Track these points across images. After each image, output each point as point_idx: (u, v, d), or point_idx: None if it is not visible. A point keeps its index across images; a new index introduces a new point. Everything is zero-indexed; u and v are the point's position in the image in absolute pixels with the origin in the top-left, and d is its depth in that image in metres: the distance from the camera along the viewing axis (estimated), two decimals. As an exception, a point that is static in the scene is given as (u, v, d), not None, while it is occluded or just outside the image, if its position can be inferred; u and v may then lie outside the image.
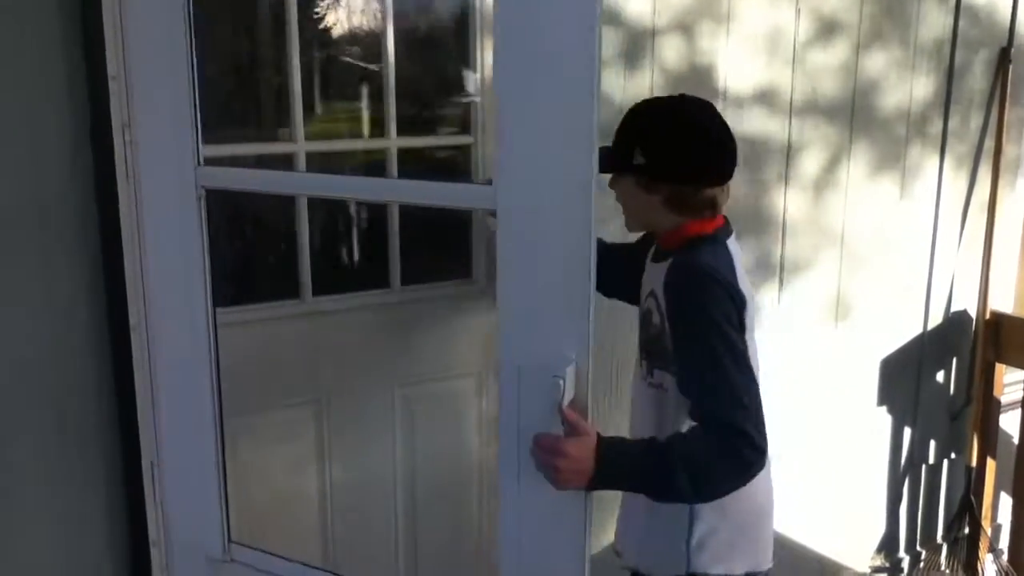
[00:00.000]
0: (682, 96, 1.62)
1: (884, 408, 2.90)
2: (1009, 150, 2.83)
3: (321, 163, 2.10)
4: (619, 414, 2.05)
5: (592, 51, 1.17)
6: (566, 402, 1.26)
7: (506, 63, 1.22)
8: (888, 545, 3.06)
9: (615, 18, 2.16)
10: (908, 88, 2.63)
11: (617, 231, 1.71)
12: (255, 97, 2.19)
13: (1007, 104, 2.76)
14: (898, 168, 2.70)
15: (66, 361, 1.65)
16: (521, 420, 1.32)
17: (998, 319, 2.86)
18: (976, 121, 2.78)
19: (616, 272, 1.63)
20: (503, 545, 1.37)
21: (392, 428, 2.18)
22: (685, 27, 2.26)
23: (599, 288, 1.24)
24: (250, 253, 2.19)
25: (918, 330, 2.89)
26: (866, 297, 2.74)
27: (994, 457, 2.97)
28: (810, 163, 2.55)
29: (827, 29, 2.46)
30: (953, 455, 3.09)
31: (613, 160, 1.55)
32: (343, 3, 2.28)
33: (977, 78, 2.76)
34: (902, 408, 2.94)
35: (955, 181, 2.81)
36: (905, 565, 3.11)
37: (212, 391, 1.65)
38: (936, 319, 2.90)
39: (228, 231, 2.10)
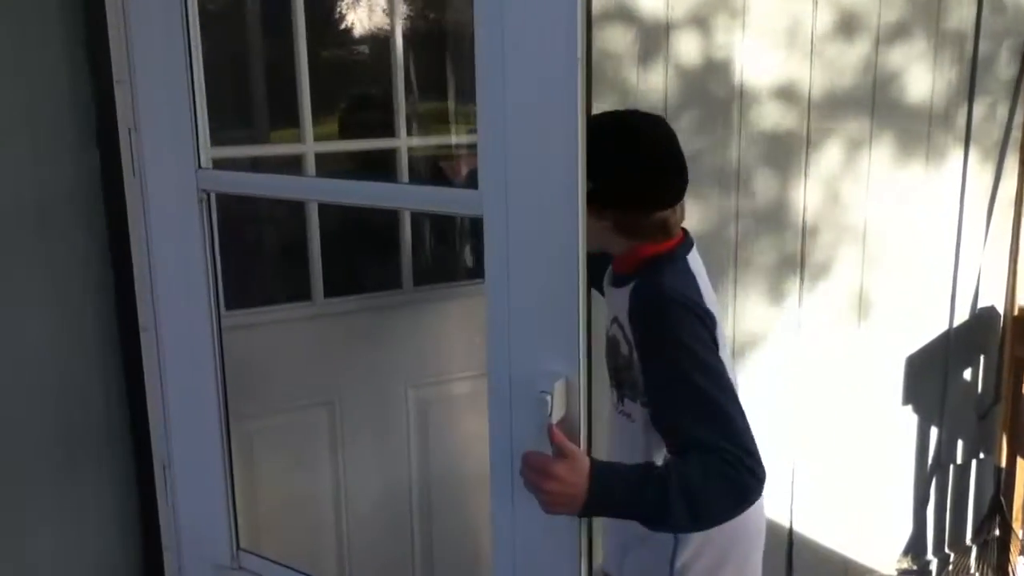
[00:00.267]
0: (630, 113, 1.54)
1: (909, 407, 2.84)
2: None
3: (333, 164, 2.11)
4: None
5: (574, 50, 1.13)
6: (555, 420, 1.21)
7: (486, 63, 1.20)
8: (915, 547, 3.00)
9: (628, 12, 2.13)
10: (931, 80, 2.56)
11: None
12: (264, 98, 2.19)
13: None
14: (921, 161, 2.63)
15: (76, 364, 1.67)
16: (514, 437, 1.28)
17: (1028, 316, 2.78)
18: (1002, 113, 2.70)
19: None
20: (496, 568, 1.34)
21: (406, 429, 2.18)
22: (700, 20, 2.22)
23: None
24: (261, 255, 2.20)
25: (944, 327, 2.82)
26: (889, 294, 2.68)
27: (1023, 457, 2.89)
28: (830, 158, 2.49)
29: (846, 20, 2.40)
30: (982, 455, 3.02)
31: None
32: (363, 3, 2.28)
33: (1002, 68, 2.67)
34: (928, 407, 2.87)
35: (980, 174, 2.73)
36: (933, 568, 3.04)
37: (217, 395, 1.66)
38: (962, 316, 2.83)
39: (238, 233, 2.12)
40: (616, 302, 1.50)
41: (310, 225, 2.00)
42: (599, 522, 1.69)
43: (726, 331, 2.44)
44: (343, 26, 2.29)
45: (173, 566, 1.79)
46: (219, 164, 1.74)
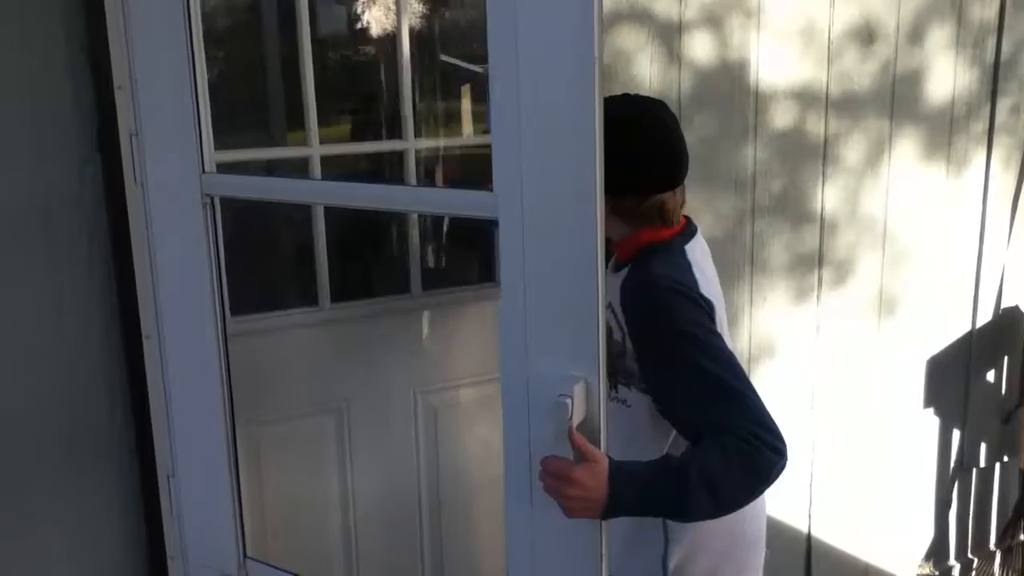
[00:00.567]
0: (626, 97, 1.52)
1: (931, 410, 2.79)
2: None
3: (339, 167, 2.07)
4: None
5: (591, 47, 1.10)
6: (575, 423, 1.20)
7: (500, 60, 1.17)
8: (937, 552, 2.94)
9: (641, 11, 2.09)
10: (952, 79, 2.51)
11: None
12: (270, 100, 2.16)
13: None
14: (943, 161, 2.58)
15: (78, 372, 1.64)
16: (532, 441, 1.27)
17: (1052, 317, 2.72)
18: (1024, 112, 2.65)
19: None
20: (511, 572, 1.31)
21: (414, 436, 2.14)
22: (714, 20, 2.18)
23: None
24: (267, 259, 2.16)
25: (966, 328, 2.76)
26: (911, 294, 2.63)
27: (1049, 461, 2.84)
28: (850, 157, 2.44)
29: (864, 19, 2.35)
30: (1006, 458, 2.96)
31: None
32: (379, 3, 2.24)
33: (1025, 67, 2.62)
34: (950, 409, 2.82)
35: (1004, 173, 2.68)
36: (955, 574, 2.99)
37: (223, 402, 1.63)
38: (985, 316, 2.78)
39: (245, 238, 2.08)
40: (611, 288, 1.47)
41: (316, 229, 1.97)
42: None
43: (743, 337, 2.39)
44: (350, 26, 2.26)
45: (179, 575, 1.76)
46: (226, 168, 1.71)
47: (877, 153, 2.48)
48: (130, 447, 1.71)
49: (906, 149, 2.51)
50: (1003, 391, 2.90)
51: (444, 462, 2.18)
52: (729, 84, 2.23)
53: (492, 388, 2.21)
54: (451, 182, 2.27)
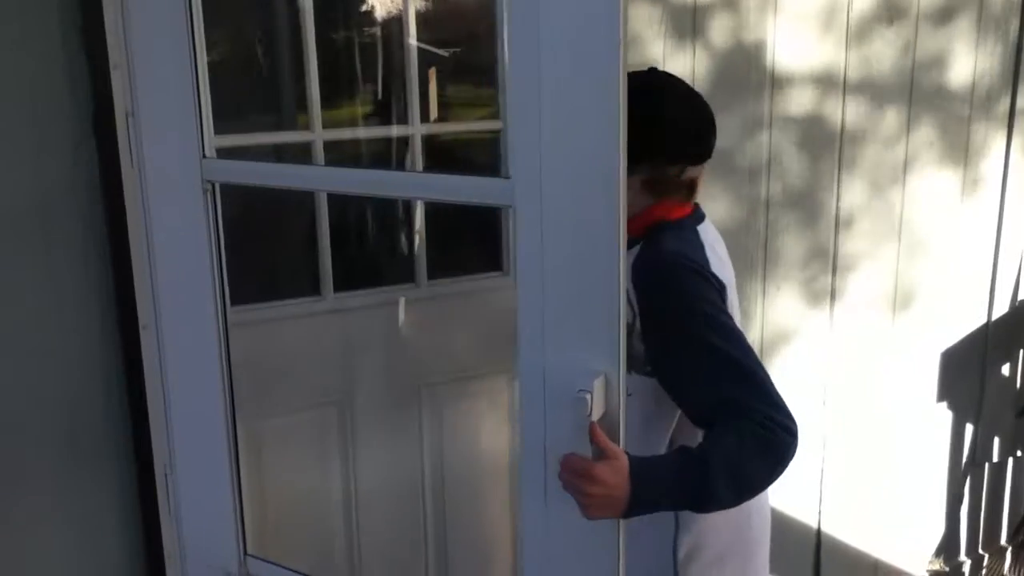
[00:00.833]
0: (655, 70, 1.51)
1: (945, 404, 2.74)
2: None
3: (341, 152, 2.00)
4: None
5: (616, 19, 1.04)
6: (596, 418, 1.15)
7: (521, 39, 1.11)
8: (948, 548, 2.90)
9: (654, -9, 2.02)
10: (972, 64, 2.44)
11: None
12: (271, 82, 2.09)
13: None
14: (961, 149, 2.51)
15: (72, 364, 1.58)
16: (548, 437, 1.22)
17: (1070, 309, 2.67)
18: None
19: None
20: (525, 573, 1.26)
21: (419, 429, 2.09)
22: (730, 1, 2.11)
23: None
24: (269, 248, 2.10)
25: (982, 320, 2.71)
26: (926, 287, 2.58)
27: (1064, 455, 2.79)
28: (867, 145, 2.38)
29: (884, 1, 2.29)
30: (1019, 452, 2.92)
31: None
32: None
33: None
34: (964, 404, 2.77)
35: (1023, 162, 2.61)
36: (966, 570, 2.95)
37: (223, 395, 1.58)
38: (1002, 308, 2.72)
39: (245, 225, 2.01)
40: None
41: (320, 216, 1.91)
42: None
43: (755, 329, 2.34)
44: (353, 6, 2.18)
45: (177, 574, 1.70)
46: (225, 153, 1.64)
47: (895, 140, 2.41)
48: (127, 442, 1.65)
49: (924, 136, 2.45)
50: (1018, 384, 2.85)
51: (449, 457, 2.13)
52: (745, 68, 2.16)
53: (500, 381, 2.17)
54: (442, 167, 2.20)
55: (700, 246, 1.43)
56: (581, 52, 1.08)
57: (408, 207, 2.04)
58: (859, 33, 2.27)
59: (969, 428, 2.81)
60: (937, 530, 2.88)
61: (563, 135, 1.11)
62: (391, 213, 2.11)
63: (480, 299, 2.10)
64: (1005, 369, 2.82)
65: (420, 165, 1.94)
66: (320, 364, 1.97)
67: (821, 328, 2.46)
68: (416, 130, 1.93)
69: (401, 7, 1.97)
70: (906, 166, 2.45)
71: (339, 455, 2.02)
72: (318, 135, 1.83)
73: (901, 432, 2.68)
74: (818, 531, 2.62)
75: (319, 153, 1.85)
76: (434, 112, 2.18)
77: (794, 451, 1.25)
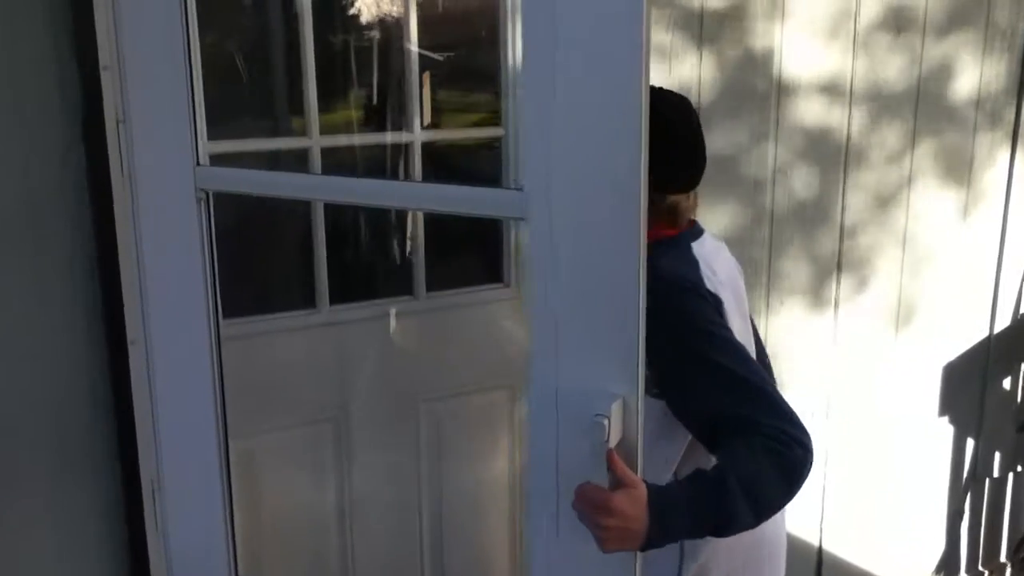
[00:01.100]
0: (654, 90, 1.45)
1: (946, 418, 2.70)
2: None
3: (334, 158, 1.94)
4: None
5: (639, 14, 0.98)
6: (613, 443, 1.10)
7: (535, 44, 1.06)
8: (948, 565, 2.86)
9: (661, -2, 1.97)
10: (978, 74, 2.41)
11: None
12: (265, 87, 2.03)
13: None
14: (965, 161, 2.48)
15: (60, 378, 1.52)
16: (560, 462, 1.16)
17: (1074, 323, 2.63)
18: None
19: None
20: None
21: (416, 446, 2.02)
22: (737, 8, 2.07)
23: None
24: (262, 258, 2.03)
25: (984, 334, 2.67)
26: (929, 300, 2.54)
27: (1065, 471, 2.76)
28: (872, 157, 2.34)
29: (891, 9, 2.25)
30: (1019, 467, 2.88)
31: None
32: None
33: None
34: (965, 418, 2.73)
35: (1028, 174, 2.59)
36: (966, 586, 2.91)
37: (215, 411, 1.51)
38: (1004, 321, 2.69)
39: (237, 234, 1.95)
40: None
41: (315, 226, 1.84)
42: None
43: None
44: (352, 10, 2.12)
45: (165, 597, 1.64)
46: (217, 160, 1.58)
47: (900, 151, 2.38)
48: (113, 457, 1.58)
49: (929, 147, 2.41)
50: (1019, 399, 2.82)
51: (448, 475, 2.06)
52: (752, 76, 2.12)
53: (500, 396, 2.11)
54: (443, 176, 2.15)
55: (694, 263, 1.40)
56: (600, 56, 1.03)
57: (406, 216, 1.98)
58: (866, 42, 2.23)
59: (970, 443, 2.78)
60: (938, 546, 2.84)
61: (579, 144, 1.06)
62: (388, 222, 2.05)
63: (480, 311, 2.04)
64: (1006, 383, 2.79)
65: (419, 173, 1.88)
66: (315, 379, 1.91)
67: (825, 343, 2.42)
68: (416, 137, 1.87)
69: (401, 11, 1.91)
70: (911, 178, 2.41)
71: (334, 472, 1.96)
72: (315, 141, 1.77)
73: (903, 447, 2.64)
74: (819, 549, 2.58)
75: (316, 160, 1.79)
76: (428, 118, 2.13)
77: (810, 466, 1.22)
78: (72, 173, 1.46)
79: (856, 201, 2.35)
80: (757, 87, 2.13)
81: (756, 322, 2.28)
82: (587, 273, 1.09)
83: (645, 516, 1.10)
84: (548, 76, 1.05)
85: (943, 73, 2.37)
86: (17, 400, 1.49)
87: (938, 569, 2.86)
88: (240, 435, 1.63)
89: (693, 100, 2.03)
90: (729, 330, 1.33)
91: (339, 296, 1.90)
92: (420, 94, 1.91)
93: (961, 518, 2.84)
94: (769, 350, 2.33)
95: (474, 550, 2.11)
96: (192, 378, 1.50)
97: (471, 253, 2.12)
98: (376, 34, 2.10)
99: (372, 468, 1.98)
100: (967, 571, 2.91)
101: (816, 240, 2.33)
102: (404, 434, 2.00)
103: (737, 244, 2.13)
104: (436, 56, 2.09)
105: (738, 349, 1.30)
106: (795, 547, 2.48)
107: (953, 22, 2.33)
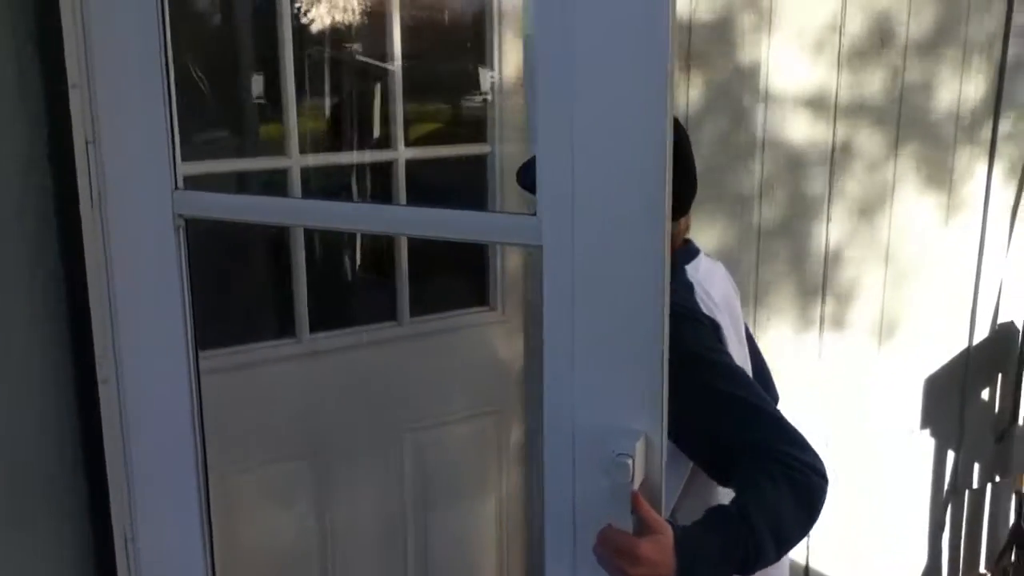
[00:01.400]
0: None
1: (928, 431, 2.69)
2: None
3: (313, 178, 1.85)
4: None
5: (665, 36, 0.93)
6: (636, 485, 1.03)
7: (549, 55, 0.99)
8: (930, 577, 2.86)
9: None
10: (957, 89, 2.41)
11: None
12: (239, 104, 1.93)
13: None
14: (945, 175, 2.48)
15: (22, 423, 1.40)
16: (577, 502, 1.09)
17: (1051, 333, 2.65)
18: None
19: None
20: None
21: (401, 479, 1.93)
22: (725, 22, 2.03)
23: None
24: (236, 285, 1.92)
25: (963, 345, 2.68)
26: (911, 313, 2.53)
27: (1043, 480, 2.76)
28: (855, 171, 2.33)
29: (874, 23, 2.24)
30: (998, 478, 2.89)
31: None
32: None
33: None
34: (946, 430, 2.73)
35: (1005, 187, 2.60)
36: (949, 598, 2.90)
37: (195, 453, 1.41)
38: (983, 332, 2.69)
39: (209, 259, 1.84)
40: None
41: (295, 250, 1.75)
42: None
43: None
44: (332, 22, 2.03)
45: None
46: (190, 182, 1.48)
47: (883, 165, 2.37)
48: (83, 509, 1.47)
49: (910, 161, 2.41)
50: (997, 409, 2.83)
51: (434, 507, 1.98)
52: (739, 90, 2.09)
53: (488, 422, 2.04)
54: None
55: (688, 287, 1.35)
56: (622, 73, 0.96)
57: (389, 239, 1.89)
58: (850, 56, 2.22)
59: (951, 455, 2.78)
60: (920, 559, 2.83)
61: (600, 168, 1.00)
62: (369, 245, 1.96)
63: (466, 335, 1.97)
64: (985, 394, 2.79)
65: (404, 193, 1.80)
66: (296, 412, 1.81)
67: (811, 360, 2.40)
68: (400, 155, 1.79)
69: (380, 25, 1.83)
70: (893, 192, 2.40)
71: (316, 510, 1.86)
72: (295, 161, 1.68)
73: (887, 461, 2.62)
74: (806, 568, 2.55)
75: (295, 180, 1.70)
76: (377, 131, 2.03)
77: (825, 495, 1.18)
78: (33, 196, 1.35)
79: (841, 215, 2.33)
80: (744, 101, 2.10)
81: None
82: (608, 302, 1.03)
83: (673, 562, 1.04)
84: (567, 97, 0.99)
85: (924, 88, 2.36)
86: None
87: (920, 582, 2.85)
88: (216, 475, 1.54)
89: (681, 116, 1.99)
90: (729, 355, 1.29)
91: (319, 324, 1.80)
92: (404, 110, 1.84)
93: (942, 530, 2.84)
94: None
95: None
96: (169, 419, 1.39)
97: (455, 276, 2.04)
98: (349, 48, 2.01)
99: (355, 504, 1.89)
100: (949, 583, 2.91)
101: (802, 254, 2.31)
102: (388, 467, 1.91)
103: (725, 260, 2.09)
104: (388, 67, 2.01)
105: (739, 374, 1.26)
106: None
107: (934, 37, 2.33)
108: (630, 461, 1.01)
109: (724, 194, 2.12)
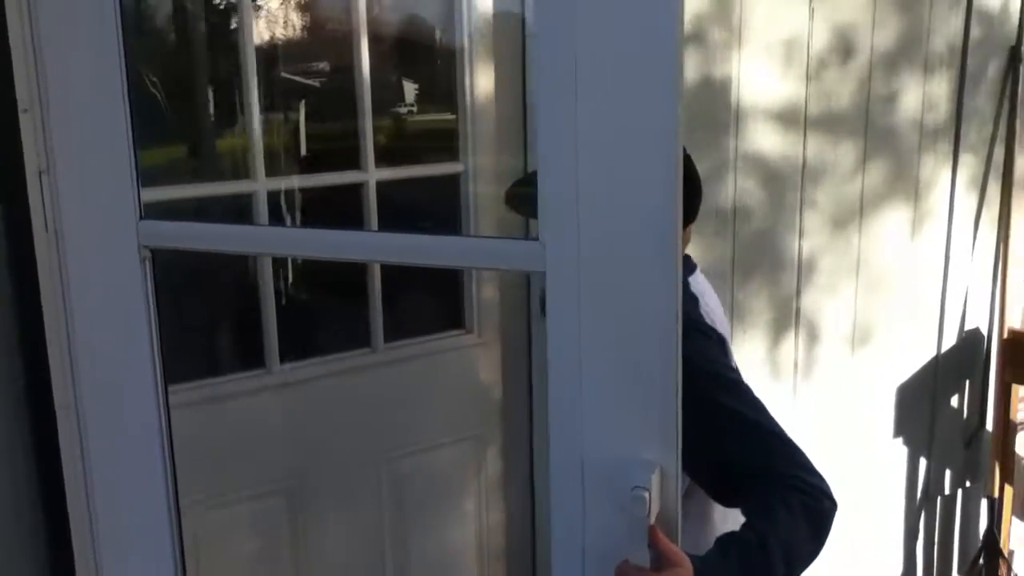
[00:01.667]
0: None
1: (900, 439, 2.70)
2: (1021, 160, 2.65)
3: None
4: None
5: (674, 31, 0.88)
6: (652, 518, 0.98)
7: (552, 73, 0.94)
8: (906, 584, 2.86)
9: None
10: (920, 101, 2.43)
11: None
12: (200, 125, 1.84)
13: (1017, 109, 2.58)
14: (911, 185, 2.50)
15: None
16: (587, 535, 1.04)
17: (1017, 338, 2.67)
18: (989, 132, 2.60)
19: None
20: None
21: (379, 511, 1.85)
22: (698, 35, 2.00)
23: None
24: (203, 315, 1.83)
25: (932, 353, 2.69)
26: (882, 323, 2.53)
27: (1012, 484, 2.78)
28: (826, 183, 2.32)
29: (840, 37, 2.24)
30: (968, 483, 2.91)
31: None
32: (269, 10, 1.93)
33: (990, 86, 2.57)
34: (918, 438, 2.74)
35: (967, 195, 2.62)
36: (924, 605, 2.91)
37: (167, 492, 1.32)
38: (950, 340, 2.71)
39: (173, 289, 1.75)
40: None
41: (263, 278, 1.67)
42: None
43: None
44: (292, 34, 1.96)
45: None
46: (149, 209, 1.39)
47: (852, 177, 2.37)
48: (40, 550, 1.36)
49: (878, 173, 2.42)
50: (965, 415, 2.85)
51: (413, 536, 1.90)
52: (712, 105, 2.06)
53: (467, 448, 1.96)
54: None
55: (693, 299, 1.31)
56: (628, 91, 0.92)
57: (360, 264, 1.81)
58: (817, 68, 2.21)
59: (923, 462, 2.78)
60: (896, 566, 2.83)
61: (608, 189, 0.95)
62: (342, 271, 1.88)
63: (443, 360, 1.90)
64: (954, 401, 2.81)
65: (375, 217, 1.73)
66: (268, 445, 1.71)
67: (787, 371, 2.38)
68: (371, 176, 1.72)
69: (349, 43, 1.76)
70: (862, 203, 2.40)
71: (291, 546, 1.77)
72: (261, 184, 1.59)
73: (860, 469, 2.61)
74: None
75: (261, 204, 1.62)
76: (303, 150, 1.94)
77: (833, 520, 1.15)
78: (-15, 233, 1.25)
79: (813, 227, 2.32)
80: (718, 116, 2.08)
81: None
82: (617, 327, 0.98)
83: None
84: (569, 118, 0.94)
85: (889, 99, 2.37)
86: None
87: (896, 590, 2.85)
88: (187, 513, 1.44)
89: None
90: (737, 371, 1.25)
91: (290, 353, 1.72)
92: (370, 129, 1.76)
93: (916, 537, 2.84)
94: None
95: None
96: (138, 459, 1.30)
97: (430, 299, 1.97)
98: (322, 66, 1.94)
99: (333, 537, 1.80)
100: (923, 590, 2.91)
101: (776, 267, 2.29)
102: (366, 498, 1.83)
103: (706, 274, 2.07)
104: (314, 83, 1.95)
105: (747, 391, 1.22)
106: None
107: (896, 49, 2.34)
108: (647, 494, 0.96)
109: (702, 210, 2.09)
